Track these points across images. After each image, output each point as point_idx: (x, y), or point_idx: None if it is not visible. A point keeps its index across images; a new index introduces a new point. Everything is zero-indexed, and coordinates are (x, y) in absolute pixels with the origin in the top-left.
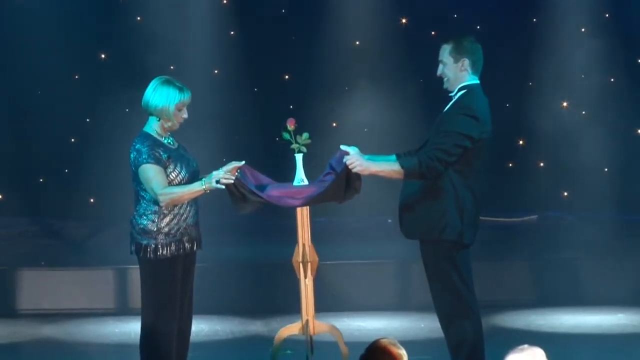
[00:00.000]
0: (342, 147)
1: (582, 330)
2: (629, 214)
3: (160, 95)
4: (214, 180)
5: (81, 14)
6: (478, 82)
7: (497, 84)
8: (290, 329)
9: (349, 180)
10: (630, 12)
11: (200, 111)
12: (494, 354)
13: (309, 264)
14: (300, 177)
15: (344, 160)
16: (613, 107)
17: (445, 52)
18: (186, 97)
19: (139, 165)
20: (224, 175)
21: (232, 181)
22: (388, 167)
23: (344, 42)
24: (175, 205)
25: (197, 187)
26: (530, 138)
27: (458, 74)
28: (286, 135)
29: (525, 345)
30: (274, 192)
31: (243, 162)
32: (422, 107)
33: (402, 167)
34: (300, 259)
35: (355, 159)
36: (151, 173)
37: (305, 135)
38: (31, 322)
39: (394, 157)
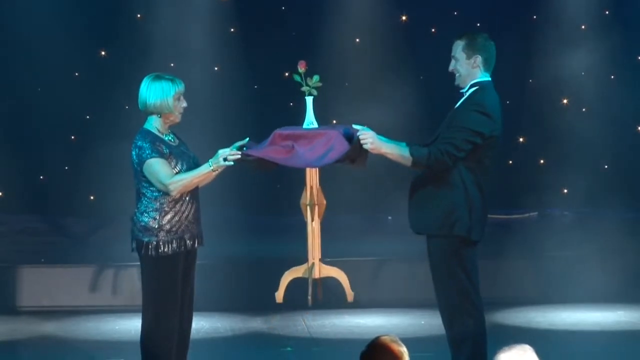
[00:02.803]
0: (355, 126)
1: (582, 327)
2: (629, 210)
3: (155, 91)
4: (221, 159)
5: (81, 11)
6: (490, 79)
7: (498, 81)
8: (295, 272)
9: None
10: (630, 9)
11: (200, 108)
12: (493, 352)
13: (316, 206)
14: (310, 120)
15: (358, 134)
16: (613, 104)
17: (458, 48)
18: (180, 86)
19: (144, 161)
20: (230, 152)
21: (239, 156)
22: (398, 151)
23: (344, 39)
24: (176, 202)
25: (205, 169)
26: (530, 135)
27: (470, 70)
28: (297, 77)
29: (513, 345)
30: (284, 149)
31: (247, 139)
32: (423, 104)
33: (412, 155)
34: (307, 201)
35: (369, 135)
36: (157, 166)
37: (316, 78)
38: (31, 319)
39: (404, 143)
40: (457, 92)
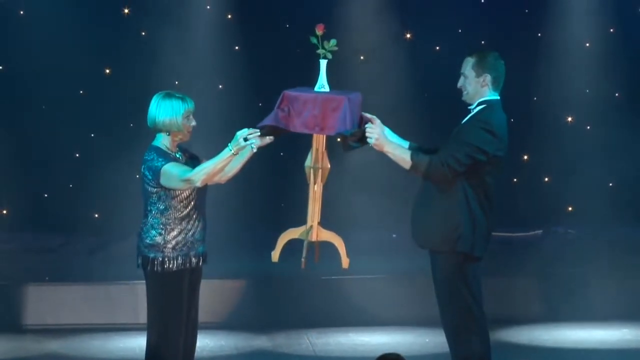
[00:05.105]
0: (365, 114)
1: (586, 345)
2: (634, 228)
3: (165, 109)
4: (241, 140)
5: (85, 28)
6: (498, 98)
7: (502, 98)
8: (292, 233)
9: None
10: (635, 27)
11: (204, 126)
12: None
13: (320, 170)
14: (322, 83)
15: (367, 125)
16: (618, 121)
17: (468, 65)
18: (190, 105)
19: (159, 171)
20: (249, 131)
21: (259, 133)
22: (400, 153)
23: (348, 57)
24: (182, 219)
25: (225, 154)
26: (535, 153)
27: (478, 88)
28: (314, 40)
29: None
30: (290, 115)
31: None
32: (426, 122)
33: (412, 159)
34: (312, 164)
35: (375, 132)
36: (173, 169)
37: (333, 41)
38: (35, 337)
39: (407, 143)
40: (461, 110)
